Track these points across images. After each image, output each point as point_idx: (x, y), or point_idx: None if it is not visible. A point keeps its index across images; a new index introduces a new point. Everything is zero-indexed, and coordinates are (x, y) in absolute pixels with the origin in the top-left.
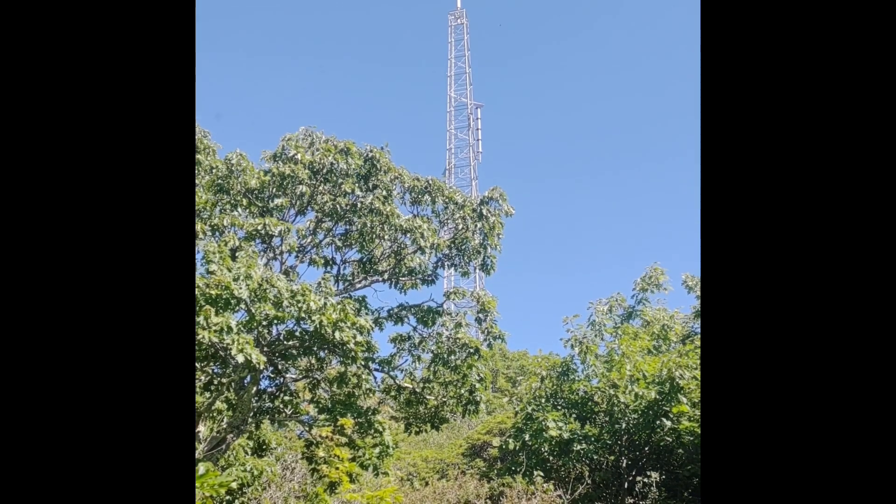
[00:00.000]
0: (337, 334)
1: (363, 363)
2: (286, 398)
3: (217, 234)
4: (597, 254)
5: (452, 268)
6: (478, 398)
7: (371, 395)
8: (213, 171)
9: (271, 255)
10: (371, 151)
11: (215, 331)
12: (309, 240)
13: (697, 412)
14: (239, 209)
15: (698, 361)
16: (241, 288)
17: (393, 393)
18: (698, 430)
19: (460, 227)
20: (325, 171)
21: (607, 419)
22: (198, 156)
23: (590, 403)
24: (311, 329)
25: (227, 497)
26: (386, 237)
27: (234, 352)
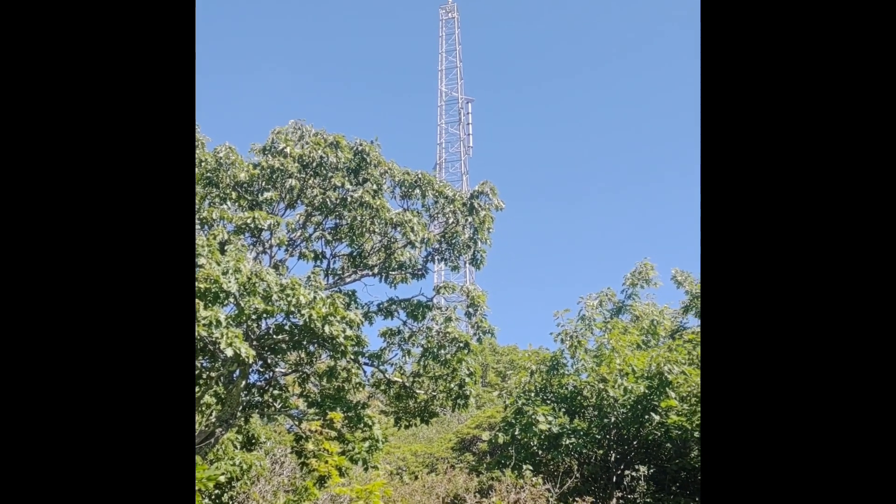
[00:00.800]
0: (326, 328)
1: (353, 357)
2: (275, 392)
3: (206, 227)
4: (587, 249)
5: (442, 262)
6: (467, 392)
7: (361, 389)
8: (202, 164)
9: (260, 248)
10: (361, 145)
11: (204, 325)
12: (298, 233)
13: (686, 407)
14: (228, 202)
15: (687, 356)
16: (230, 282)
17: (382, 387)
18: (686, 425)
19: (450, 221)
20: (314, 164)
21: (596, 413)
22: None
23: (579, 398)
24: (301, 323)
25: (216, 491)
26: (376, 231)
27: (223, 346)
